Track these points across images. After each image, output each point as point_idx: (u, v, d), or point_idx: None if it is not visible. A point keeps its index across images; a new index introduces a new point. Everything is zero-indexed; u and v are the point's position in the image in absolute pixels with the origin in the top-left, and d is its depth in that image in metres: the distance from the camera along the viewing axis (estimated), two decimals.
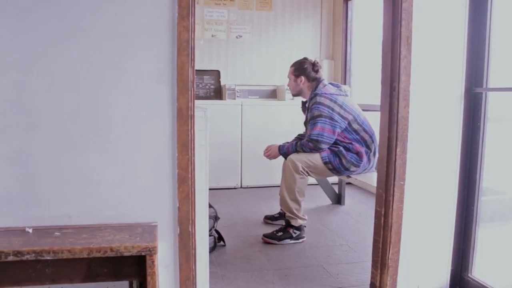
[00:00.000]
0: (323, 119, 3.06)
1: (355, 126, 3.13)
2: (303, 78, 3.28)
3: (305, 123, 3.33)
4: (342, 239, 3.11)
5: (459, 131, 2.19)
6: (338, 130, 3.09)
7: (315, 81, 3.27)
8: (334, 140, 3.09)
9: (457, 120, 2.18)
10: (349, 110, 3.14)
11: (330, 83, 3.30)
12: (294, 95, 3.45)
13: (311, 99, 3.20)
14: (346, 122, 3.12)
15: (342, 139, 3.11)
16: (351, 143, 3.11)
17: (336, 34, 5.24)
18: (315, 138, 3.04)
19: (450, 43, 2.12)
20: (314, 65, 3.30)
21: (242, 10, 5.08)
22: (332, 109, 3.08)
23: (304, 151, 3.09)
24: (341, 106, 3.11)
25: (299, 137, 3.42)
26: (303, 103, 3.41)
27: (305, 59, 3.37)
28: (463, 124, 2.19)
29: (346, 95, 3.26)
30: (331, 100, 3.11)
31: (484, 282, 2.15)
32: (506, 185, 2.68)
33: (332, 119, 3.06)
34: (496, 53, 2.15)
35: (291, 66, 3.37)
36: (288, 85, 3.45)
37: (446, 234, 2.24)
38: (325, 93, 3.15)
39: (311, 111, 3.13)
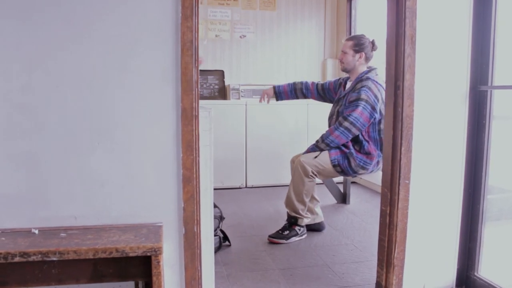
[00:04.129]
0: (366, 104, 3.00)
1: (382, 126, 3.07)
2: (363, 54, 3.17)
3: (337, 101, 3.27)
4: (348, 238, 3.11)
5: (464, 129, 2.18)
6: (372, 120, 3.04)
7: (368, 62, 3.19)
8: (363, 128, 3.03)
9: (462, 118, 2.17)
10: (384, 108, 3.07)
11: None
12: (346, 70, 3.26)
13: (361, 80, 3.10)
14: (379, 118, 3.07)
15: (364, 132, 3.07)
16: (368, 142, 3.07)
17: (340, 33, 5.23)
18: (351, 119, 2.98)
19: (454, 41, 2.11)
20: (373, 44, 3.21)
21: (246, 10, 5.08)
22: (378, 99, 3.03)
23: (328, 145, 3.04)
24: (383, 101, 3.04)
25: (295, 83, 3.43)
26: (344, 80, 3.33)
27: (363, 35, 3.26)
28: (468, 122, 2.18)
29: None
30: (378, 90, 3.05)
31: (491, 281, 2.14)
32: None
33: (373, 108, 3.01)
34: (501, 50, 2.14)
35: (349, 40, 3.22)
36: (340, 59, 3.26)
37: (452, 233, 2.24)
38: (376, 82, 3.08)
39: (359, 92, 3.03)
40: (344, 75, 3.43)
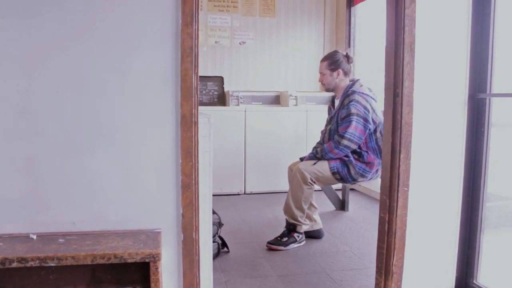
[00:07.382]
0: (358, 118, 3.02)
1: (378, 134, 3.11)
2: (340, 71, 3.19)
3: (329, 120, 3.29)
4: (346, 245, 3.10)
5: (463, 136, 2.18)
6: (367, 131, 3.06)
7: (349, 75, 3.23)
8: (361, 141, 3.05)
9: (461, 126, 2.18)
10: (376, 117, 3.11)
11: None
12: (329, 90, 3.33)
13: (347, 95, 3.12)
14: (374, 127, 3.09)
15: (362, 144, 3.08)
16: (367, 152, 3.09)
17: (339, 40, 5.25)
18: (348, 136, 3.00)
19: (453, 48, 2.12)
20: (347, 57, 3.24)
21: (246, 17, 5.10)
22: (368, 111, 3.05)
23: (325, 158, 3.07)
24: (374, 111, 3.09)
25: (317, 146, 3.37)
26: (333, 99, 3.37)
27: (336, 51, 3.30)
28: (467, 129, 2.18)
29: (376, 100, 3.20)
30: (367, 101, 3.07)
31: None
32: (511, 191, 2.66)
33: (366, 120, 3.03)
34: (500, 58, 2.15)
35: (323, 61, 3.26)
36: (320, 81, 3.31)
37: (450, 240, 2.23)
38: (362, 93, 3.10)
39: (348, 108, 3.05)
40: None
